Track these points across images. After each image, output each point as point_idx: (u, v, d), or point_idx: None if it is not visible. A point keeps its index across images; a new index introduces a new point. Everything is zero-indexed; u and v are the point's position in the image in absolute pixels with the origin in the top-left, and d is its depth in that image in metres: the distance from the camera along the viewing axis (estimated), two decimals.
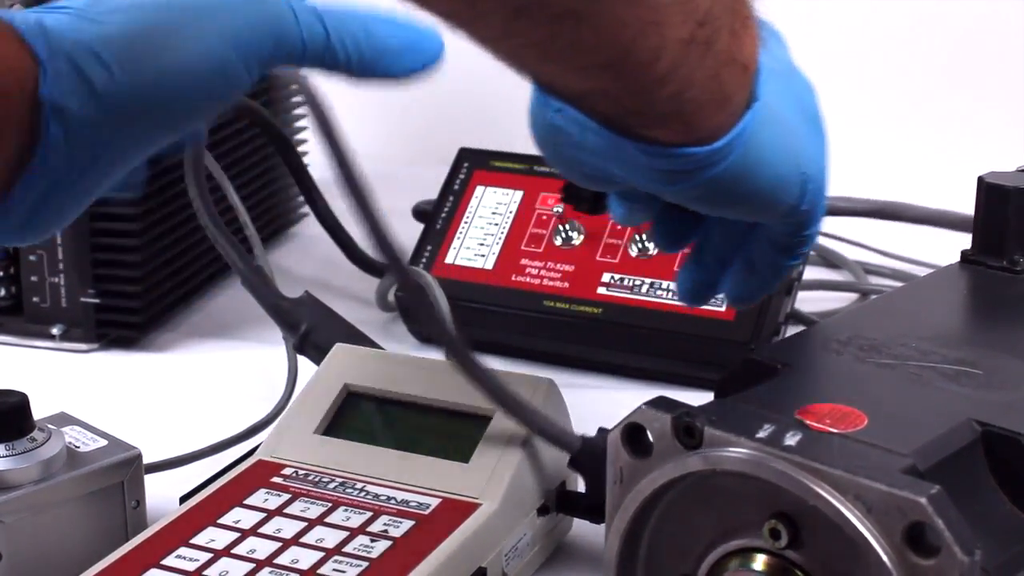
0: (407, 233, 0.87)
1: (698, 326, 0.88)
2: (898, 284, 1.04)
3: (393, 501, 0.64)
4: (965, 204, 0.77)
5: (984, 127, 1.30)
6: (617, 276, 0.91)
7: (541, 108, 0.59)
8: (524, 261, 0.94)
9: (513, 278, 0.93)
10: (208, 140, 0.86)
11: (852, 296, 1.06)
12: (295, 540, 0.62)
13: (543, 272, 0.93)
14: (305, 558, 0.61)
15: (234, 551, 0.61)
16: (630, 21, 0.51)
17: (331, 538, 0.62)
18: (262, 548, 0.61)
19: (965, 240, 0.76)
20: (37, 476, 0.64)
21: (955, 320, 0.72)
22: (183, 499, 0.66)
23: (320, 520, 0.63)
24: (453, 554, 0.61)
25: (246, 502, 0.65)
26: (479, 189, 0.98)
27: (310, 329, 0.80)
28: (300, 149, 1.18)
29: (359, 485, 0.66)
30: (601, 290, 0.91)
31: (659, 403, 0.54)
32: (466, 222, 0.97)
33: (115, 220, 0.92)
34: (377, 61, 0.60)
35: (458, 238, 0.96)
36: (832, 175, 0.65)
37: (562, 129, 0.59)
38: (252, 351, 0.94)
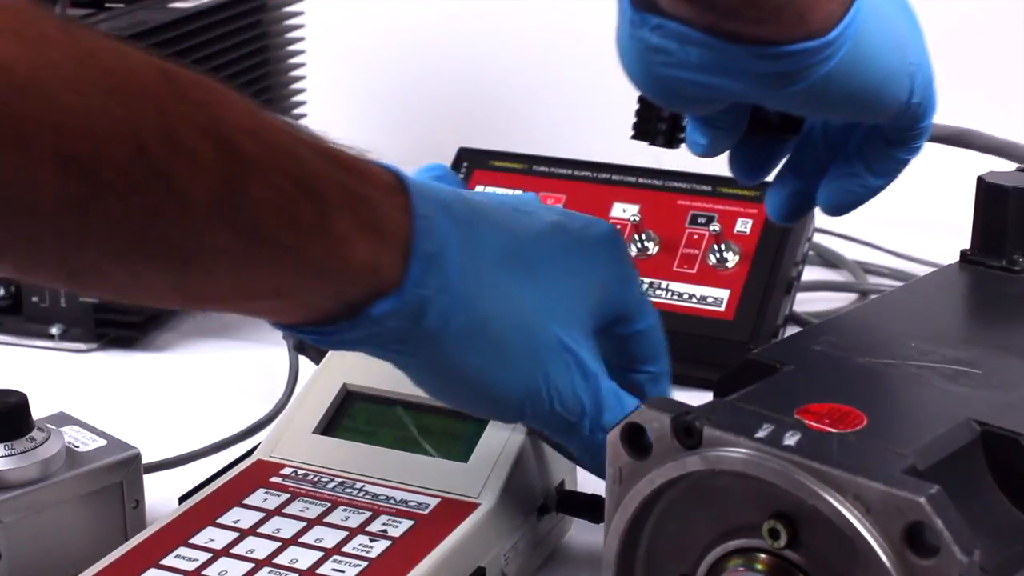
0: None
1: (697, 326, 0.88)
2: (897, 284, 1.04)
3: (392, 501, 0.64)
4: (964, 205, 0.77)
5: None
6: None
7: (636, 29, 0.58)
8: None
9: None
10: None
11: (851, 296, 1.06)
12: (294, 540, 0.62)
13: None
14: (304, 558, 0.61)
15: (233, 551, 0.61)
16: None
17: (330, 538, 0.62)
18: (261, 548, 0.61)
19: (964, 240, 0.76)
20: (36, 476, 0.64)
21: (954, 320, 0.72)
22: (182, 499, 0.66)
23: (319, 520, 0.63)
24: (452, 554, 0.61)
25: (245, 502, 0.65)
26: (479, 188, 0.98)
27: None
28: None
29: (358, 485, 0.66)
30: None
31: (658, 403, 0.54)
32: None
33: None
34: None
35: None
36: None
37: (661, 48, 0.57)
38: (251, 351, 0.94)
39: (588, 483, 0.70)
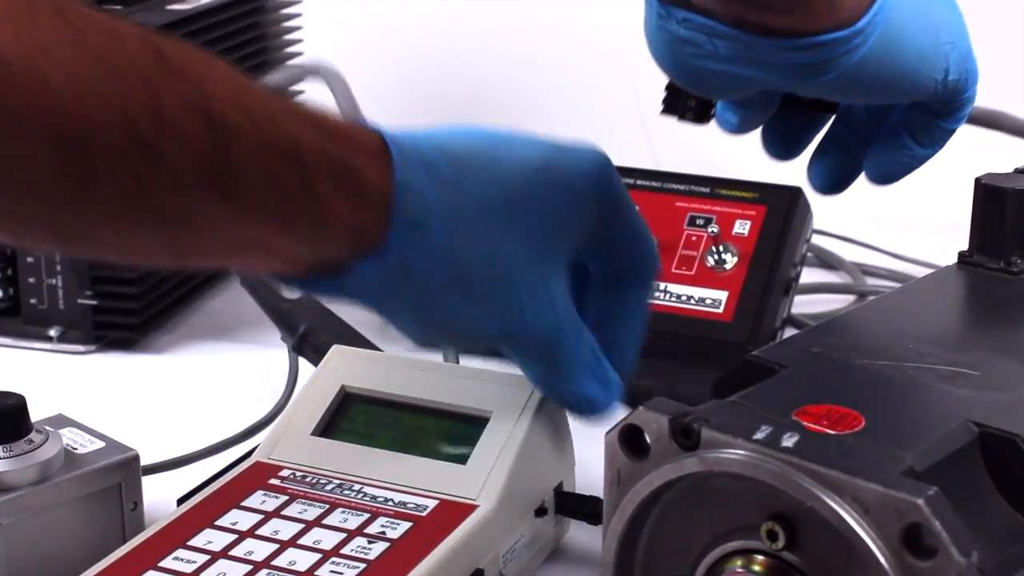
0: None
1: (696, 327, 0.88)
2: (895, 286, 1.04)
3: (390, 503, 0.64)
4: (962, 206, 0.77)
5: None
6: None
7: (663, 21, 0.58)
8: None
9: None
10: None
11: (849, 298, 1.06)
12: (293, 542, 0.62)
13: None
14: (303, 560, 0.61)
15: (232, 553, 0.61)
16: None
17: (328, 540, 0.62)
18: (260, 550, 0.61)
19: (962, 241, 0.76)
20: (35, 478, 0.64)
21: (952, 321, 0.72)
22: (181, 501, 0.66)
23: (317, 522, 0.63)
24: (450, 556, 0.61)
25: (244, 504, 0.65)
26: None
27: (309, 330, 0.80)
28: None
29: (356, 487, 0.66)
30: None
31: (656, 404, 0.54)
32: None
33: None
34: None
35: None
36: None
37: (689, 40, 0.57)
38: (250, 352, 0.94)
39: (587, 485, 0.70)
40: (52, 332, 0.95)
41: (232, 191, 0.50)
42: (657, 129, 1.05)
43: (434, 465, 0.66)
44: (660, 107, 0.69)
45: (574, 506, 0.69)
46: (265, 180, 0.51)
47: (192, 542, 0.62)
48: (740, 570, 0.53)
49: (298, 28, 1.19)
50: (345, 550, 0.61)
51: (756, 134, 0.72)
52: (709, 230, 0.90)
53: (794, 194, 0.92)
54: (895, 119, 0.63)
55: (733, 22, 0.55)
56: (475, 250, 0.57)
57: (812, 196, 0.93)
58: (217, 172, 0.49)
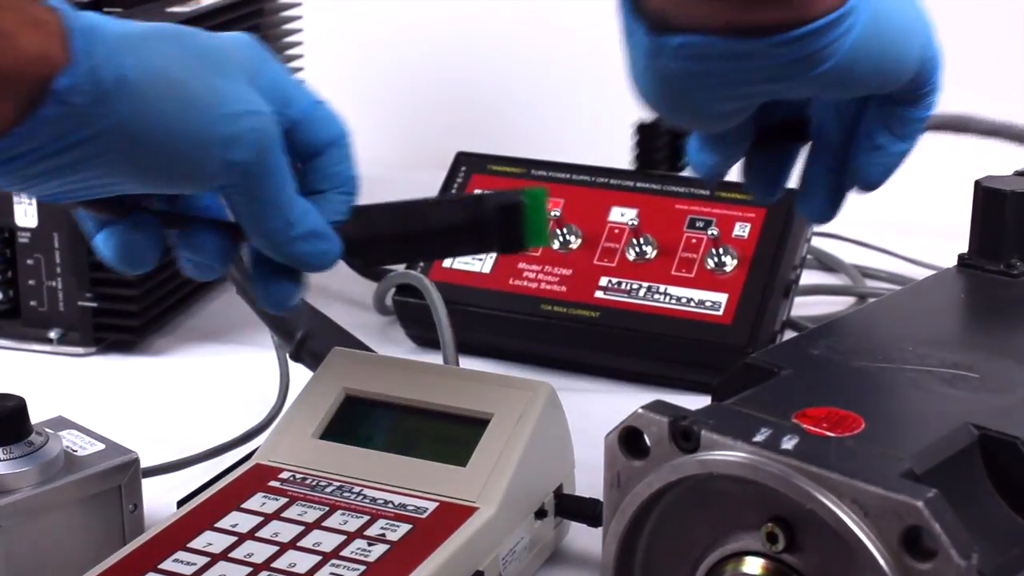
0: None
1: (695, 330, 0.89)
2: (895, 288, 1.04)
3: (390, 505, 0.64)
4: (962, 208, 0.77)
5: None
6: (615, 280, 0.91)
7: (654, 58, 0.57)
8: (521, 265, 0.94)
9: (510, 282, 0.93)
10: None
11: (849, 300, 1.06)
12: (292, 544, 0.62)
13: (540, 276, 0.93)
14: (302, 562, 0.61)
15: (231, 555, 0.61)
16: None
17: (328, 542, 0.62)
18: (259, 552, 0.61)
19: (962, 243, 0.76)
20: (35, 480, 0.64)
21: (952, 324, 0.72)
22: (180, 503, 0.66)
23: (317, 524, 0.63)
24: (450, 558, 0.61)
25: (243, 506, 0.65)
26: (477, 191, 0.98)
27: (306, 336, 0.80)
28: None
29: (356, 489, 0.66)
30: (599, 294, 0.91)
31: (656, 407, 0.54)
32: None
33: None
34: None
35: None
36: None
37: (683, 72, 0.57)
38: (250, 355, 0.94)
39: (587, 487, 0.70)
40: (52, 334, 0.95)
41: None
42: None
43: (434, 467, 0.66)
44: (633, 163, 0.68)
45: (574, 508, 0.69)
46: None
47: (192, 544, 0.62)
48: (740, 572, 0.53)
49: (298, 31, 1.19)
50: (345, 552, 0.61)
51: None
52: (709, 232, 0.91)
53: (794, 196, 0.92)
54: (868, 121, 0.63)
55: (727, 30, 0.55)
56: (160, 49, 0.57)
57: None
58: None
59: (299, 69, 1.20)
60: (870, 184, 0.65)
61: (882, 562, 0.48)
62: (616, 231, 0.93)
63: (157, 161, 0.57)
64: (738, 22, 0.55)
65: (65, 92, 0.54)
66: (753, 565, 0.53)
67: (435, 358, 0.84)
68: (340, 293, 1.04)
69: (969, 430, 0.56)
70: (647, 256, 0.92)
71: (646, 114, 0.71)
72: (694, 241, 0.92)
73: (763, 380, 0.60)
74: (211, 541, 0.62)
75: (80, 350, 0.96)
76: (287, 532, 0.63)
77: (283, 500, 0.65)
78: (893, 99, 0.63)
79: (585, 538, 0.71)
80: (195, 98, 0.57)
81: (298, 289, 0.63)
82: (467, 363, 0.84)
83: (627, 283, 0.91)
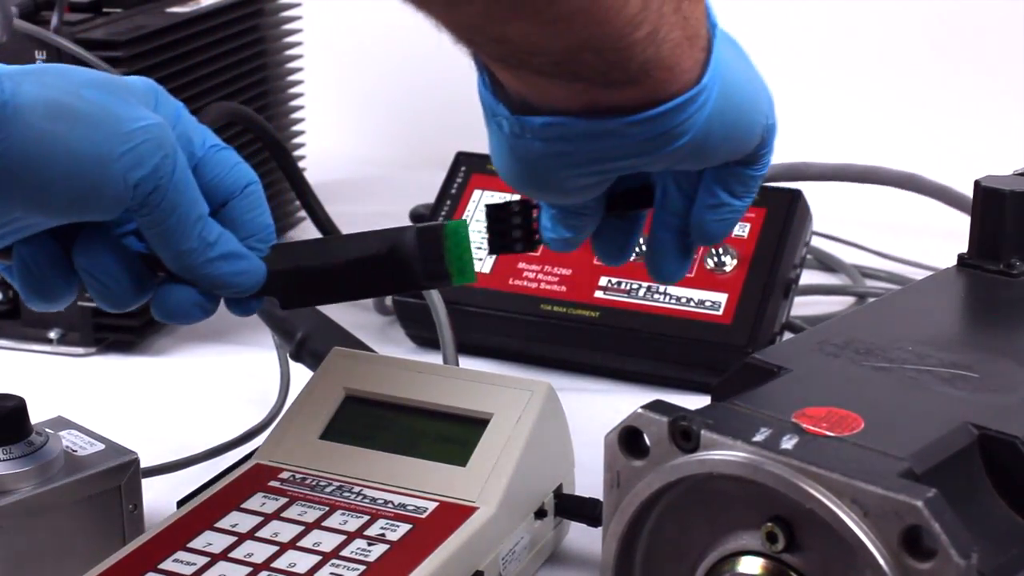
0: None
1: (695, 330, 0.89)
2: (895, 288, 1.04)
3: (390, 505, 0.64)
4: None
5: (982, 130, 1.30)
6: (614, 280, 0.91)
7: (517, 140, 0.58)
8: (521, 265, 0.94)
9: (510, 282, 0.93)
10: None
11: (849, 300, 1.06)
12: (292, 544, 0.62)
13: (540, 276, 0.93)
14: (302, 562, 0.61)
15: (231, 555, 0.61)
16: None
17: (328, 542, 0.62)
18: (259, 552, 0.61)
19: (962, 243, 0.76)
20: (34, 480, 0.64)
21: (952, 323, 0.72)
22: (180, 503, 0.66)
23: (317, 524, 0.63)
24: (450, 558, 0.61)
25: (243, 506, 0.65)
26: (477, 192, 0.98)
27: (306, 336, 0.80)
28: (296, 154, 1.18)
29: (356, 489, 0.66)
30: (598, 294, 0.91)
31: (656, 406, 0.54)
32: None
33: None
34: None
35: None
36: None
37: (546, 151, 0.58)
38: (250, 355, 0.94)
39: (587, 487, 0.70)
40: (52, 334, 0.95)
41: None
42: None
43: (434, 467, 0.66)
44: (487, 248, 0.67)
45: (574, 508, 0.69)
46: None
47: (192, 544, 0.62)
48: (739, 572, 0.53)
49: (298, 31, 1.19)
50: (345, 552, 0.61)
51: None
52: None
53: (794, 196, 0.92)
54: (709, 183, 0.64)
55: (586, 111, 0.56)
56: (54, 81, 0.57)
57: (812, 198, 0.94)
58: None
59: (299, 69, 1.19)
60: (713, 239, 0.67)
61: (882, 562, 0.48)
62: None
63: (54, 186, 0.56)
64: (597, 103, 0.56)
65: None
66: (753, 565, 0.53)
67: (435, 358, 0.84)
68: None
69: (969, 430, 0.56)
70: None
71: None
72: None
73: (763, 380, 0.60)
74: (211, 541, 0.62)
75: (80, 350, 0.96)
76: (287, 532, 0.63)
77: (283, 500, 0.65)
78: (733, 161, 0.64)
79: (585, 538, 0.71)
80: (88, 117, 0.57)
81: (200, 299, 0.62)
82: (467, 363, 0.84)
83: (627, 283, 0.91)
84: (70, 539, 0.65)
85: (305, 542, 0.62)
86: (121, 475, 0.66)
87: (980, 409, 0.57)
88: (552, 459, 0.69)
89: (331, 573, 0.60)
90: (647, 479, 0.54)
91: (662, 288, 0.90)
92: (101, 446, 0.67)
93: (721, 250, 0.90)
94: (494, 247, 0.66)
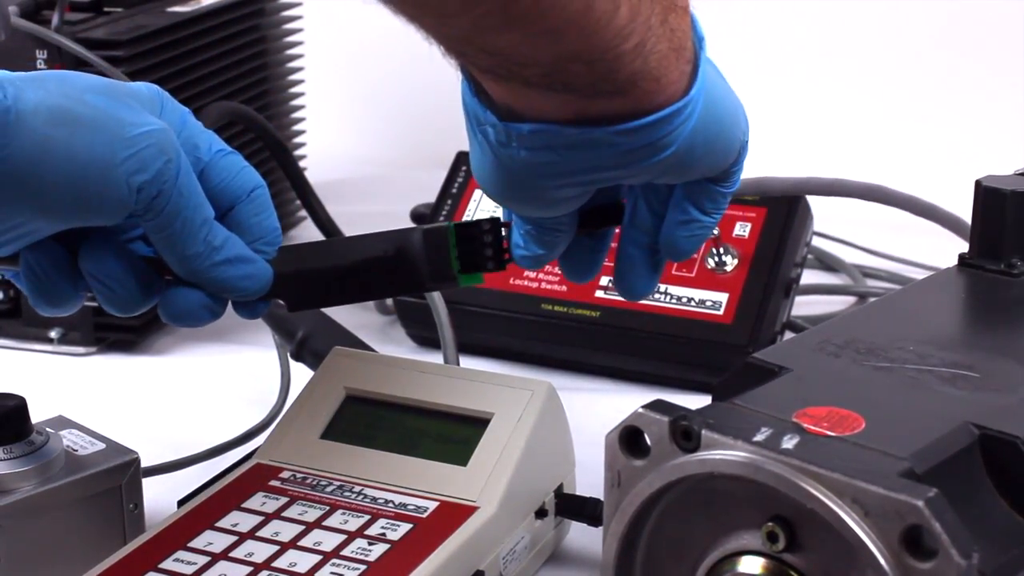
0: None
1: (696, 329, 0.88)
2: (896, 287, 1.04)
3: (391, 504, 0.64)
4: (963, 207, 0.77)
5: (982, 130, 1.30)
6: None
7: (503, 148, 0.58)
8: None
9: (511, 281, 0.93)
10: None
11: (850, 300, 1.06)
12: (293, 543, 0.62)
13: (541, 275, 0.93)
14: (303, 561, 0.61)
15: (232, 554, 0.61)
16: None
17: (329, 541, 0.62)
18: (260, 551, 0.61)
19: (962, 243, 0.76)
20: (35, 479, 0.64)
21: (952, 323, 0.72)
22: (181, 502, 0.66)
23: (318, 523, 0.63)
24: (451, 557, 0.61)
25: (244, 505, 0.65)
26: (477, 192, 0.98)
27: (307, 336, 0.80)
28: (297, 154, 1.18)
29: (357, 488, 0.66)
30: (599, 293, 0.91)
31: (657, 406, 0.54)
32: None
33: None
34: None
35: None
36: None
37: (532, 162, 0.58)
38: (251, 354, 0.94)
39: (587, 486, 0.70)
40: (52, 334, 0.95)
41: None
42: None
43: (435, 467, 0.66)
44: (457, 265, 0.66)
45: (574, 508, 0.69)
46: None
47: (192, 544, 0.62)
48: (740, 572, 0.53)
49: (299, 31, 1.19)
50: (345, 552, 0.61)
51: None
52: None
53: (794, 196, 0.92)
54: (679, 200, 0.64)
55: (573, 120, 0.56)
56: (56, 88, 0.57)
57: (813, 198, 0.94)
58: None
59: (300, 69, 1.19)
60: (682, 256, 0.67)
61: (882, 561, 0.48)
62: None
63: (57, 191, 0.57)
64: (584, 113, 0.56)
65: None
66: (753, 564, 0.53)
67: (435, 358, 0.84)
68: None
69: (969, 429, 0.56)
70: None
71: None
72: None
73: (763, 380, 0.60)
74: (211, 540, 0.62)
75: (81, 350, 0.96)
76: (288, 531, 0.63)
77: (283, 499, 0.65)
78: (705, 178, 0.64)
79: (585, 538, 0.71)
80: (91, 122, 0.57)
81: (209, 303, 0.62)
82: (467, 363, 0.84)
83: None
84: (70, 539, 0.65)
85: (306, 541, 0.62)
86: (122, 474, 0.66)
87: (981, 409, 0.57)
88: (553, 459, 0.69)
89: (332, 573, 0.60)
90: (648, 479, 0.54)
91: (662, 287, 0.90)
92: (102, 445, 0.67)
93: (722, 250, 0.90)
94: (465, 265, 0.64)
